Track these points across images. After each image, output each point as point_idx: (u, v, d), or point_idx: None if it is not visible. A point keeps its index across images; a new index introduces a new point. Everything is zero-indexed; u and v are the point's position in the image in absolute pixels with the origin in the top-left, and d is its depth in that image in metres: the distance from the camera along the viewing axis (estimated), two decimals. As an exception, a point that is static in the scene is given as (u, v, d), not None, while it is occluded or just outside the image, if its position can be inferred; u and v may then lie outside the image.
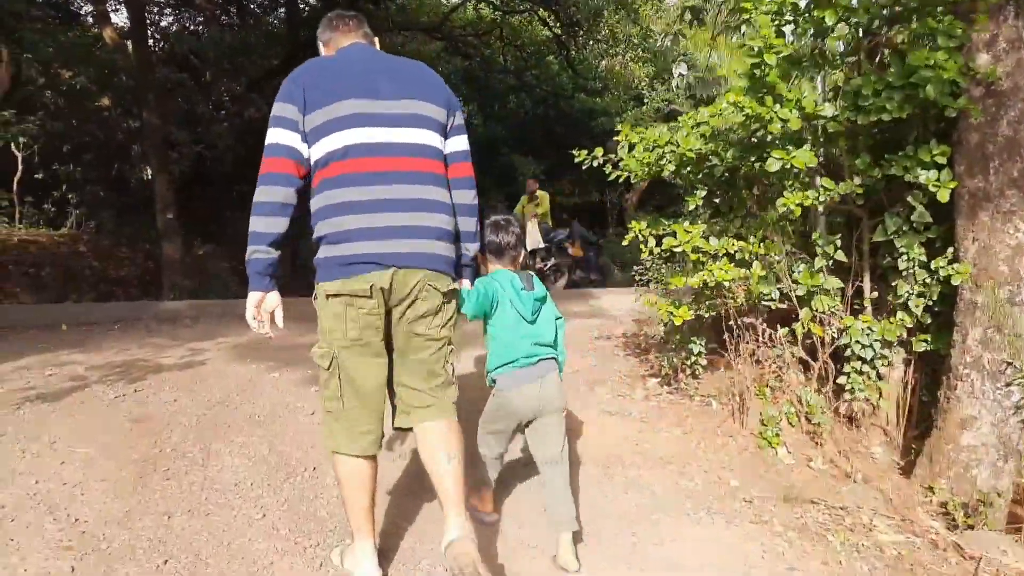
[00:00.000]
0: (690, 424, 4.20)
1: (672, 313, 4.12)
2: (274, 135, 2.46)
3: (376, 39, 2.82)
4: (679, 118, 4.77)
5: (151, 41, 14.61)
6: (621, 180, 4.77)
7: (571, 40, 17.03)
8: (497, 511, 3.32)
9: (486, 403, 3.19)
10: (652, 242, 4.35)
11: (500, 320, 3.01)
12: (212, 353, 5.46)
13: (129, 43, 14.76)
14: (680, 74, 6.85)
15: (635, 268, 7.13)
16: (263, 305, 2.51)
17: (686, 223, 4.25)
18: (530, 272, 3.13)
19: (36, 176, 15.01)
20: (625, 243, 4.60)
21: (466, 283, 2.90)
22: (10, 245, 13.08)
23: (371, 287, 2.39)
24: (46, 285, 12.63)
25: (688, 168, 4.50)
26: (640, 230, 4.37)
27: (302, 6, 16.59)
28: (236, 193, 18.56)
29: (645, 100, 22.02)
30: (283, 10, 17.08)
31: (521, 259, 3.17)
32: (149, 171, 18.23)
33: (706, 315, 4.28)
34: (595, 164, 4.90)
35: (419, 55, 18.04)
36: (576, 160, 4.95)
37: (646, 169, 4.58)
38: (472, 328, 3.39)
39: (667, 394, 4.65)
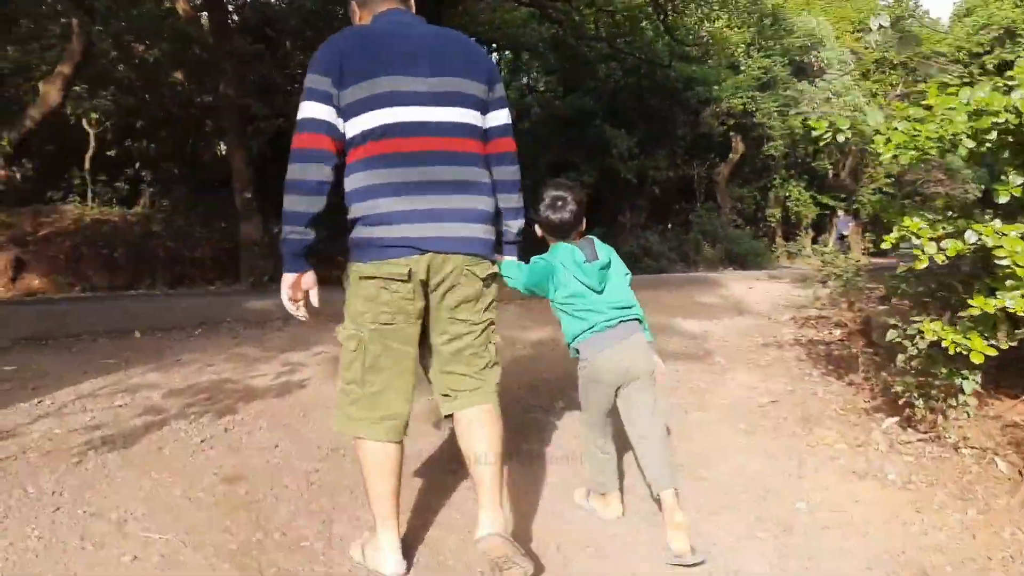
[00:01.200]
0: (980, 496, 3.02)
1: (962, 345, 2.93)
2: (308, 109, 2.26)
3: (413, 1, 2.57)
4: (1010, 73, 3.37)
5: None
6: (886, 161, 3.44)
7: (669, 3, 15.65)
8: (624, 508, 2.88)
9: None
10: (931, 248, 3.09)
11: (568, 294, 2.78)
12: (311, 369, 4.50)
13: (203, 15, 14.18)
14: (880, 26, 5.66)
15: (819, 255, 5.95)
16: (299, 284, 2.39)
17: (996, 222, 2.99)
18: (590, 238, 2.87)
19: (108, 153, 14.51)
20: (886, 245, 3.37)
21: (512, 258, 2.72)
22: (83, 225, 12.47)
23: (408, 271, 2.26)
24: (119, 267, 12.03)
25: (991, 144, 3.14)
26: (917, 229, 3.13)
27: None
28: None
29: (742, 68, 20.59)
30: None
31: (582, 231, 2.89)
32: (224, 147, 17.70)
33: (1005, 346, 3.08)
34: (840, 140, 3.71)
35: (504, 23, 16.99)
36: (815, 135, 3.78)
37: (938, 146, 3.22)
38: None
39: (918, 442, 3.48)
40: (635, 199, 20.46)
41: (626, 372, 2.74)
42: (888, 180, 28.54)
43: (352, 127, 2.28)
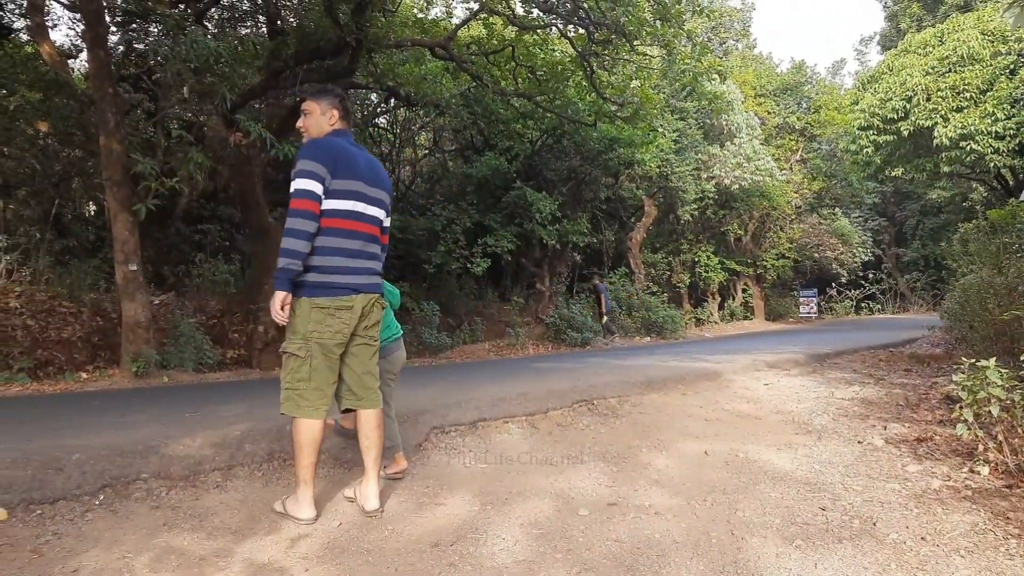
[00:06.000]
0: None
1: None
2: (308, 184, 3.40)
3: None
4: None
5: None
6: None
7: (597, 59, 14.68)
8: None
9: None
10: None
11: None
12: (299, 580, 2.85)
13: (71, 61, 12.30)
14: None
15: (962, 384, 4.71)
16: (286, 300, 3.41)
17: None
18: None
19: (-45, 216, 12.21)
20: None
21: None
22: (-79, 301, 10.21)
23: (352, 304, 3.54)
24: (-32, 353, 9.80)
25: None
26: None
27: (287, 17, 14.10)
28: (201, 233, 15.83)
29: (660, 130, 19.92)
30: (262, 20, 14.59)
31: None
32: (92, 208, 15.48)
33: None
34: None
35: (418, 76, 15.61)
36: None
37: None
38: None
39: None
40: (556, 266, 19.27)
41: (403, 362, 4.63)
42: (789, 245, 28.68)
43: (330, 203, 3.49)
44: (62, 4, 14.12)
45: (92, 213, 15.54)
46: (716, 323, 26.21)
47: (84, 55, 13.07)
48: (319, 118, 3.68)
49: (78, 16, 13.73)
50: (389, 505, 3.76)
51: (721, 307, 27.95)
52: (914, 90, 18.21)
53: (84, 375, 9.91)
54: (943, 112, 17.43)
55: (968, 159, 17.86)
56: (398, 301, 4.57)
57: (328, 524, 3.46)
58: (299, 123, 3.74)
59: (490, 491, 4.03)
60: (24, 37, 13.82)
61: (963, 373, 4.33)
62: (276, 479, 4.08)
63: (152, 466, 3.90)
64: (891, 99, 18.74)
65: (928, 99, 17.84)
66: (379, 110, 19.49)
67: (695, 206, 22.86)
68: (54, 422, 5.29)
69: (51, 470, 3.61)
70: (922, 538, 3.32)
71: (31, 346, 10.14)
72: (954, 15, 20.82)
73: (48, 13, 13.42)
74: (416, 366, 11.63)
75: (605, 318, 18.83)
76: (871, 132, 19.65)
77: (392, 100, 17.69)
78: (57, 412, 6.07)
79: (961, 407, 4.29)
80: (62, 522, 3.28)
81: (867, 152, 20.07)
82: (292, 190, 3.41)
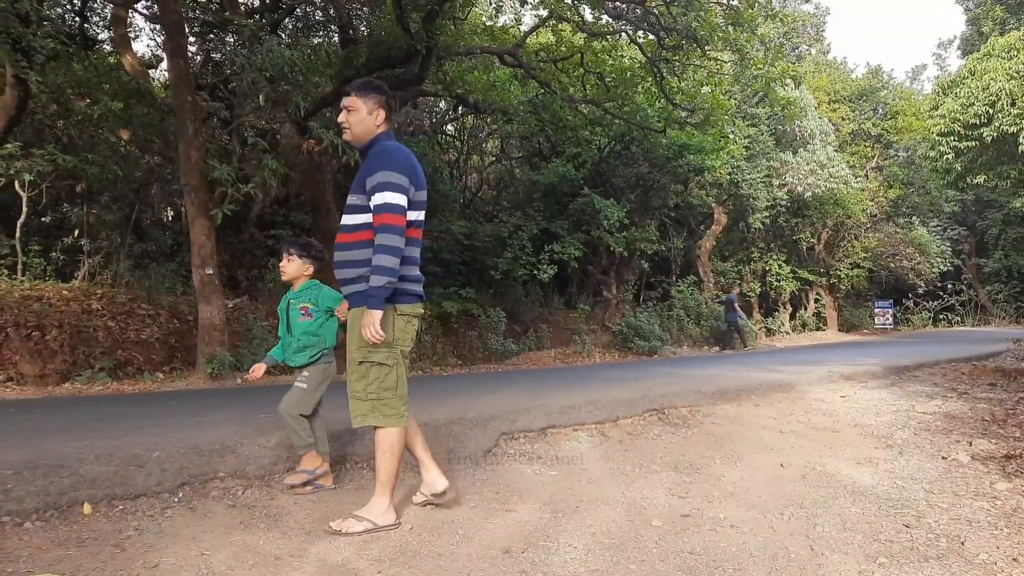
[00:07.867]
0: None
1: None
2: (399, 199, 3.30)
3: None
4: None
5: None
6: None
7: (667, 65, 14.58)
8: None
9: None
10: None
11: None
12: (372, 581, 2.86)
13: (152, 71, 12.70)
14: None
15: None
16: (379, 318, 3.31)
17: None
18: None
19: (43, 219, 12.60)
20: None
21: None
22: (10, 301, 10.54)
23: (421, 311, 3.61)
24: (53, 351, 10.13)
25: None
26: None
27: (359, 26, 14.35)
28: (274, 238, 16.13)
29: (731, 137, 19.64)
30: (334, 29, 14.90)
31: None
32: (170, 213, 15.93)
33: None
34: None
35: (487, 83, 15.71)
36: None
37: None
38: None
39: None
40: (624, 273, 19.15)
41: None
42: (864, 254, 27.96)
43: (409, 215, 3.39)
44: (144, 16, 14.64)
45: (170, 218, 16.01)
46: (787, 333, 25.71)
47: (164, 65, 13.52)
48: (365, 117, 3.48)
49: (159, 27, 14.20)
50: (459, 510, 3.75)
51: (792, 317, 27.38)
52: (998, 95, 17.56)
53: (161, 375, 10.20)
54: (1029, 118, 16.76)
55: (1056, 167, 17.13)
56: (337, 302, 4.05)
57: (400, 528, 3.47)
58: (341, 118, 3.54)
59: (560, 499, 4.00)
60: (108, 48, 14.32)
61: (1056, 388, 4.15)
62: (348, 480, 4.13)
63: (229, 465, 3.98)
64: (973, 104, 18.09)
65: (1013, 104, 17.19)
66: (447, 117, 19.71)
67: (766, 214, 22.49)
68: (134, 420, 5.45)
69: (133, 467, 3.71)
70: (1014, 559, 3.17)
71: (111, 347, 10.46)
72: (1040, 17, 20.03)
73: (131, 25, 13.92)
74: (482, 372, 11.67)
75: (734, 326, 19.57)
76: (951, 138, 18.98)
77: (460, 107, 17.87)
78: (137, 411, 6.25)
79: (1055, 423, 4.10)
80: (143, 518, 3.36)
81: (947, 159, 19.40)
82: (383, 203, 3.24)
